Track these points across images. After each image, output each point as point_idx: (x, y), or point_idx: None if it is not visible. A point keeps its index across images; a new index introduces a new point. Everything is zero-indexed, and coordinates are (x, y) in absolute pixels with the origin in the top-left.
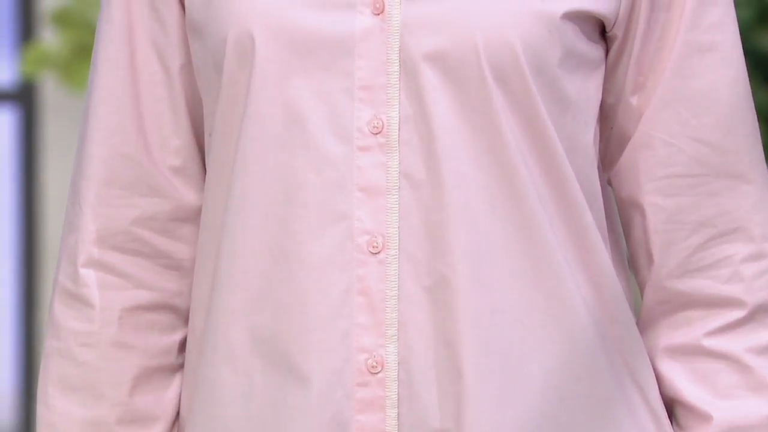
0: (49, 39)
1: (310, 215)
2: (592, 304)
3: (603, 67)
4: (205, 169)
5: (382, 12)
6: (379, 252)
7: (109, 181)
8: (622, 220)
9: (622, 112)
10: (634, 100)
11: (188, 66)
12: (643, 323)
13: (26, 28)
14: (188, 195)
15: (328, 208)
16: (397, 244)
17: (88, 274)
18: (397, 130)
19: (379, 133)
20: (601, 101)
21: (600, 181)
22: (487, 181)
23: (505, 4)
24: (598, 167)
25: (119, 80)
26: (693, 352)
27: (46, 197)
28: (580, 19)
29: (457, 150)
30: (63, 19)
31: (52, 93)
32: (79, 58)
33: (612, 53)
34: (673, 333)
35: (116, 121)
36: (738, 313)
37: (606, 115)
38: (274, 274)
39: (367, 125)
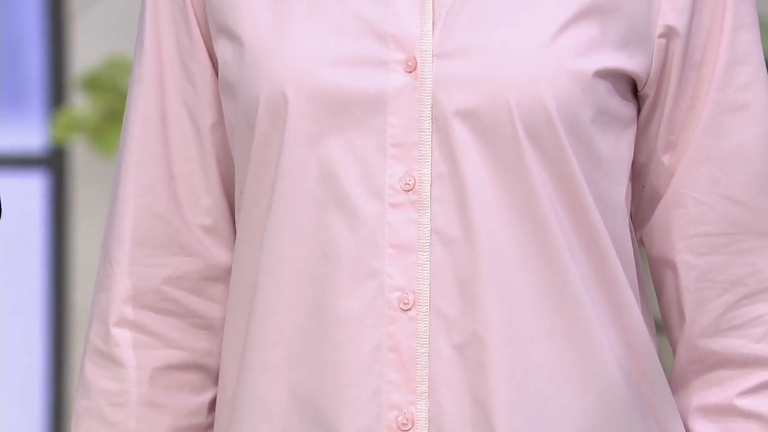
0: (80, 104)
1: (342, 272)
2: (625, 362)
3: (635, 125)
4: (235, 229)
5: (415, 69)
6: (409, 309)
7: (140, 241)
8: (654, 279)
9: (654, 170)
10: (665, 159)
11: (219, 125)
12: (676, 382)
13: (56, 93)
14: (219, 254)
15: (360, 264)
16: (427, 301)
17: (120, 334)
18: (429, 187)
19: (411, 190)
20: (633, 160)
21: (632, 239)
22: (520, 239)
23: (538, 61)
24: (630, 225)
25: (151, 140)
26: (726, 411)
27: (76, 262)
28: (612, 77)
29: (490, 207)
30: (93, 85)
31: (82, 158)
32: (110, 123)
33: (644, 112)
34: (705, 392)
35: (148, 181)
36: None
37: (638, 174)
38: (310, 332)
39: (399, 182)
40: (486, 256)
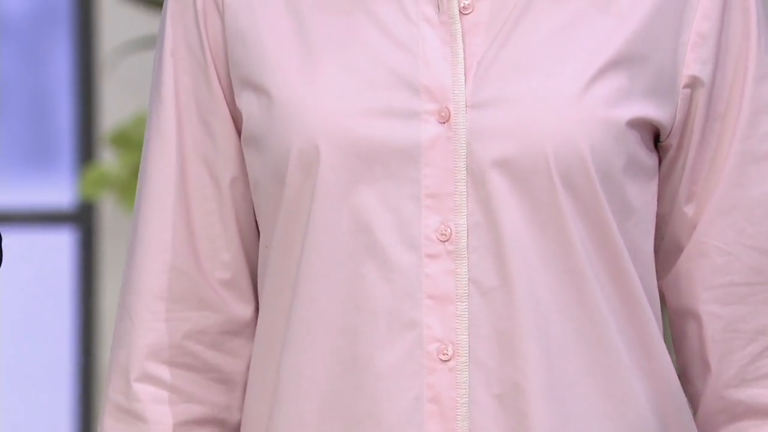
0: (108, 160)
1: (379, 324)
2: (658, 410)
3: (657, 176)
4: (252, 282)
5: (448, 120)
6: (449, 359)
7: (160, 295)
8: (673, 330)
9: (675, 221)
10: (688, 210)
11: (239, 179)
12: None
13: (85, 150)
14: (237, 308)
15: (397, 316)
16: (467, 351)
17: (141, 389)
18: (465, 238)
19: (448, 240)
20: None
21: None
22: (557, 288)
23: (573, 110)
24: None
25: (170, 194)
26: None
27: (105, 318)
28: (641, 126)
29: (527, 256)
30: (122, 141)
31: (110, 214)
32: (138, 179)
33: (665, 162)
34: None
35: (167, 236)
36: None
37: (658, 225)
38: (344, 384)
39: (435, 232)
40: (524, 305)
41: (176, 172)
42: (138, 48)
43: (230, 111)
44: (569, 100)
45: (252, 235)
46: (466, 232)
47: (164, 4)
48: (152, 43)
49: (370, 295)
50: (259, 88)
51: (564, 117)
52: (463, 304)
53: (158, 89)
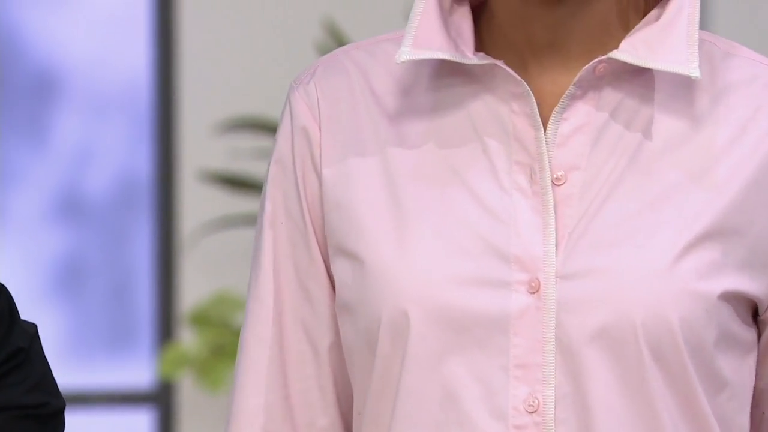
0: (188, 340)
1: None
2: None
3: (755, 351)
4: None
5: (538, 290)
6: None
7: None
8: None
9: None
10: None
11: (337, 345)
12: None
13: (165, 329)
14: None
15: None
16: None
17: None
18: (553, 409)
19: (535, 411)
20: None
21: None
22: None
23: (663, 282)
24: None
25: (267, 359)
26: None
27: None
28: (735, 300)
29: (615, 428)
30: (201, 320)
31: (189, 394)
32: (217, 357)
33: (764, 337)
34: None
35: (263, 401)
36: None
37: (756, 401)
38: None
39: (523, 403)
40: None
41: (273, 337)
42: (217, 228)
43: (329, 276)
44: (659, 272)
45: (349, 401)
46: (554, 403)
47: (268, 171)
48: (231, 222)
49: None
50: (353, 256)
51: (653, 288)
52: None
53: (258, 255)
